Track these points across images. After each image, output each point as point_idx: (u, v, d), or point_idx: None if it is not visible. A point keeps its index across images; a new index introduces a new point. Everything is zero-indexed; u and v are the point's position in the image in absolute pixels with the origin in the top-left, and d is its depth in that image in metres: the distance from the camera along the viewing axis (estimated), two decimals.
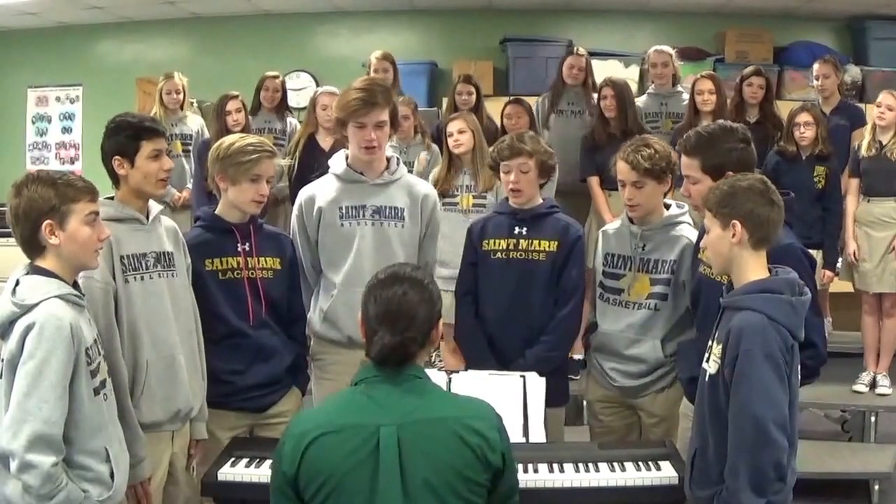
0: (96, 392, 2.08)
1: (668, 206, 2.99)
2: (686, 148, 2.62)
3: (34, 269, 2.09)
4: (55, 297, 2.02)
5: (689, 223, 2.97)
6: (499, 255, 3.04)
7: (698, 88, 4.69)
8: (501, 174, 3.07)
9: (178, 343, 2.55)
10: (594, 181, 4.70)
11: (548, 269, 3.00)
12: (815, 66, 4.87)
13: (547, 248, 3.00)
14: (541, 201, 3.09)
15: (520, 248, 3.02)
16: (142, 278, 2.48)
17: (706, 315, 2.64)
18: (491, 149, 3.35)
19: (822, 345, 2.44)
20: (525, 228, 3.03)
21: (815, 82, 4.89)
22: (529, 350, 2.97)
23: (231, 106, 4.82)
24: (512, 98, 5.00)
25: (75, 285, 2.16)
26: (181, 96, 5.26)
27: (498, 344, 3.02)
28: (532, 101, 5.21)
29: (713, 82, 4.68)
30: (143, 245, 2.50)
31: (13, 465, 1.91)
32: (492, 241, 3.06)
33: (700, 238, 2.75)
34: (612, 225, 3.13)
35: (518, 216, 3.05)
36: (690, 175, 2.60)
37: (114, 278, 2.41)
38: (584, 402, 3.30)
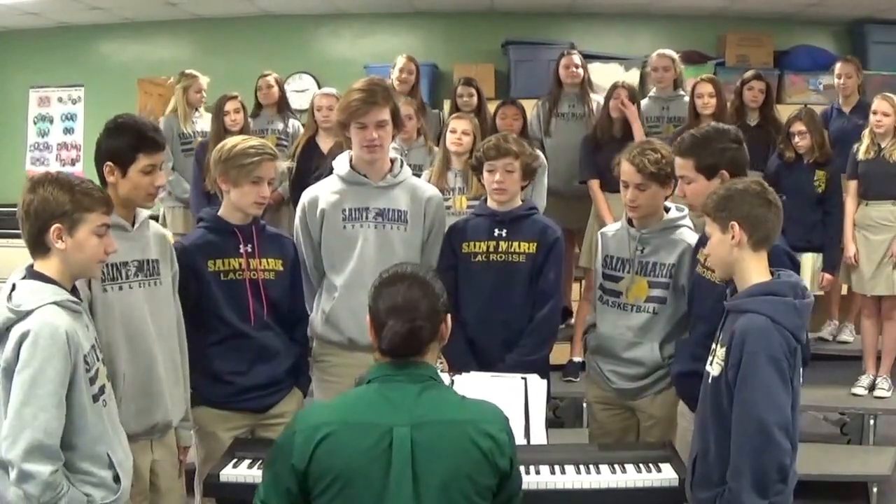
0: (95, 399, 2.05)
1: (667, 210, 3.01)
2: (680, 149, 2.69)
3: (32, 274, 2.06)
4: (51, 303, 1.99)
5: (689, 226, 2.99)
6: (479, 257, 3.05)
7: (698, 92, 4.70)
8: (485, 173, 3.08)
9: (158, 353, 2.49)
10: (595, 184, 4.71)
11: (528, 270, 3.01)
12: (838, 66, 4.87)
13: (526, 250, 3.02)
14: (520, 203, 3.10)
15: (500, 250, 3.03)
16: (120, 288, 2.41)
17: (699, 313, 2.68)
18: (475, 148, 3.36)
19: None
20: (504, 230, 3.04)
21: (836, 81, 4.89)
22: (510, 354, 2.97)
23: (230, 106, 4.84)
24: (506, 100, 4.96)
25: (74, 290, 2.12)
26: (204, 95, 5.29)
27: (479, 346, 3.03)
28: (530, 104, 5.21)
29: (713, 85, 4.69)
30: (125, 253, 2.41)
31: (12, 474, 1.90)
32: (472, 244, 3.07)
33: (700, 239, 2.79)
34: (612, 227, 3.14)
35: (497, 218, 3.06)
36: (685, 175, 2.67)
37: (90, 288, 2.33)
38: (585, 404, 3.29)
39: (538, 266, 3.02)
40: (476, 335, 3.04)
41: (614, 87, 4.72)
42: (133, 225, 2.47)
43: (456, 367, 2.87)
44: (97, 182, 2.37)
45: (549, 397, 3.08)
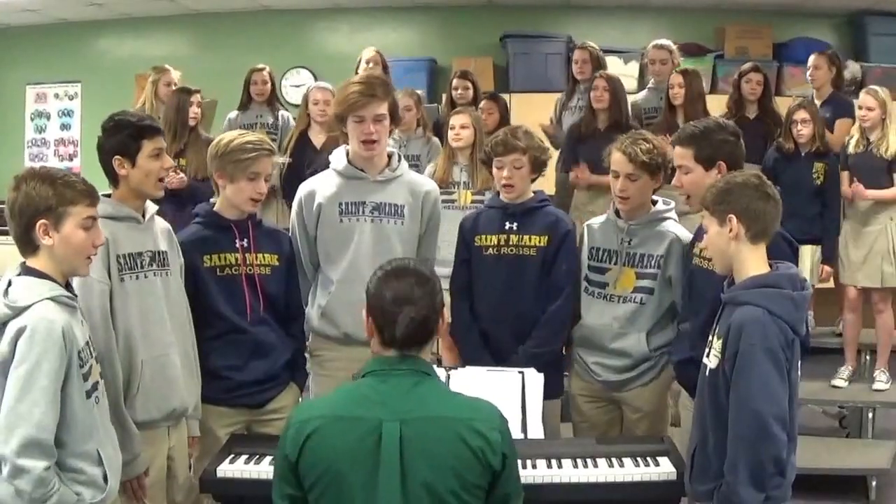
0: (88, 395, 2.06)
1: (654, 203, 3.01)
2: (680, 138, 2.72)
3: (26, 270, 2.06)
4: (47, 299, 2.00)
5: (674, 219, 3.00)
6: (490, 250, 3.05)
7: (670, 83, 4.71)
8: (494, 169, 3.08)
9: (173, 342, 2.55)
10: (578, 169, 4.68)
11: (539, 263, 3.01)
12: (810, 59, 4.88)
13: (538, 243, 3.01)
14: (532, 195, 3.10)
15: (511, 243, 3.03)
16: (137, 277, 2.47)
17: (697, 302, 2.68)
18: (485, 143, 3.36)
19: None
20: (516, 224, 3.04)
21: (807, 74, 4.91)
22: (523, 346, 2.97)
23: (194, 99, 4.74)
24: (486, 94, 4.99)
25: (68, 286, 2.13)
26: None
27: (492, 339, 3.03)
28: (532, 97, 5.21)
29: (683, 77, 4.67)
30: (139, 244, 2.50)
31: (5, 469, 1.91)
32: (483, 237, 3.06)
33: (697, 232, 2.78)
34: (598, 219, 3.14)
35: (509, 211, 3.05)
36: (683, 164, 2.69)
37: (109, 277, 2.40)
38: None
39: (550, 259, 3.01)
40: (489, 328, 3.04)
41: (594, 78, 4.70)
42: (144, 217, 2.54)
43: (470, 360, 2.89)
44: (100, 182, 2.42)
45: (562, 389, 3.10)
